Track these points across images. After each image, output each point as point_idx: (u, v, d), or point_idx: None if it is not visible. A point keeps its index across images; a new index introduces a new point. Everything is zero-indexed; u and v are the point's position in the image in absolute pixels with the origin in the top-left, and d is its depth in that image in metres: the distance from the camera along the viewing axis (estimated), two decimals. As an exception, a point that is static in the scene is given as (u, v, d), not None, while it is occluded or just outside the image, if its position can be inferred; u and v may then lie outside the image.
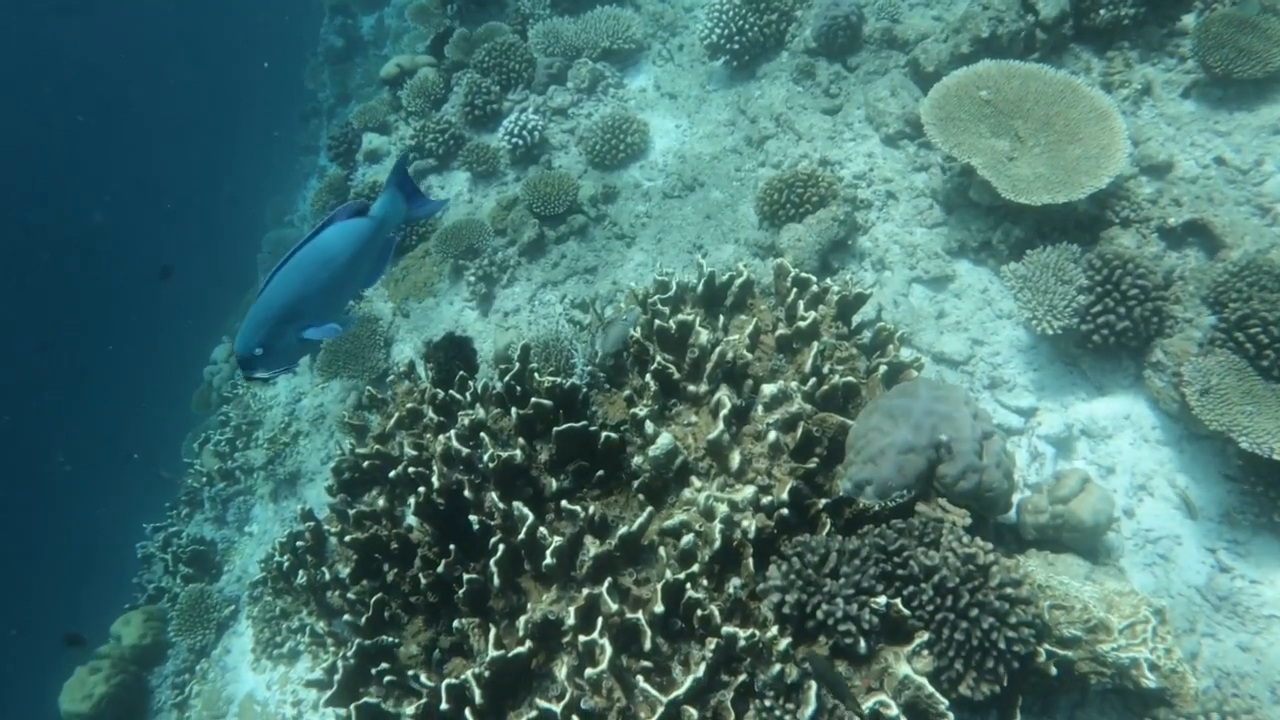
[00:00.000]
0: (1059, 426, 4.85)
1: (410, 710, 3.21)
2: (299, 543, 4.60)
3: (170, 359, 19.85)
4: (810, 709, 2.86)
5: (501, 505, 3.45)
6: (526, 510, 3.35)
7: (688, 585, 3.11)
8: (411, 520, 3.69)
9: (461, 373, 4.18)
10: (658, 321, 3.87)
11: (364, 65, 18.04)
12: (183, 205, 29.21)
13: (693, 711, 2.82)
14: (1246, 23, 5.70)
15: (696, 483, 3.59)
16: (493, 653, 3.08)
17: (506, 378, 3.87)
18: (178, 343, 20.62)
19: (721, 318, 4.29)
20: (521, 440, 3.67)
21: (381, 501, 3.85)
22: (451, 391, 4.02)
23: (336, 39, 19.00)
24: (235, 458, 8.37)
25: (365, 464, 4.01)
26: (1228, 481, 4.39)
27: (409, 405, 4.19)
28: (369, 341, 6.98)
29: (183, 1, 36.54)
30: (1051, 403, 5.00)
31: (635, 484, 3.59)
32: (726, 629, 2.98)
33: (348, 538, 3.77)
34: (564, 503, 3.41)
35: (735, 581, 3.22)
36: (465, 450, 3.61)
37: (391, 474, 3.83)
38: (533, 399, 3.66)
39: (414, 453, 3.81)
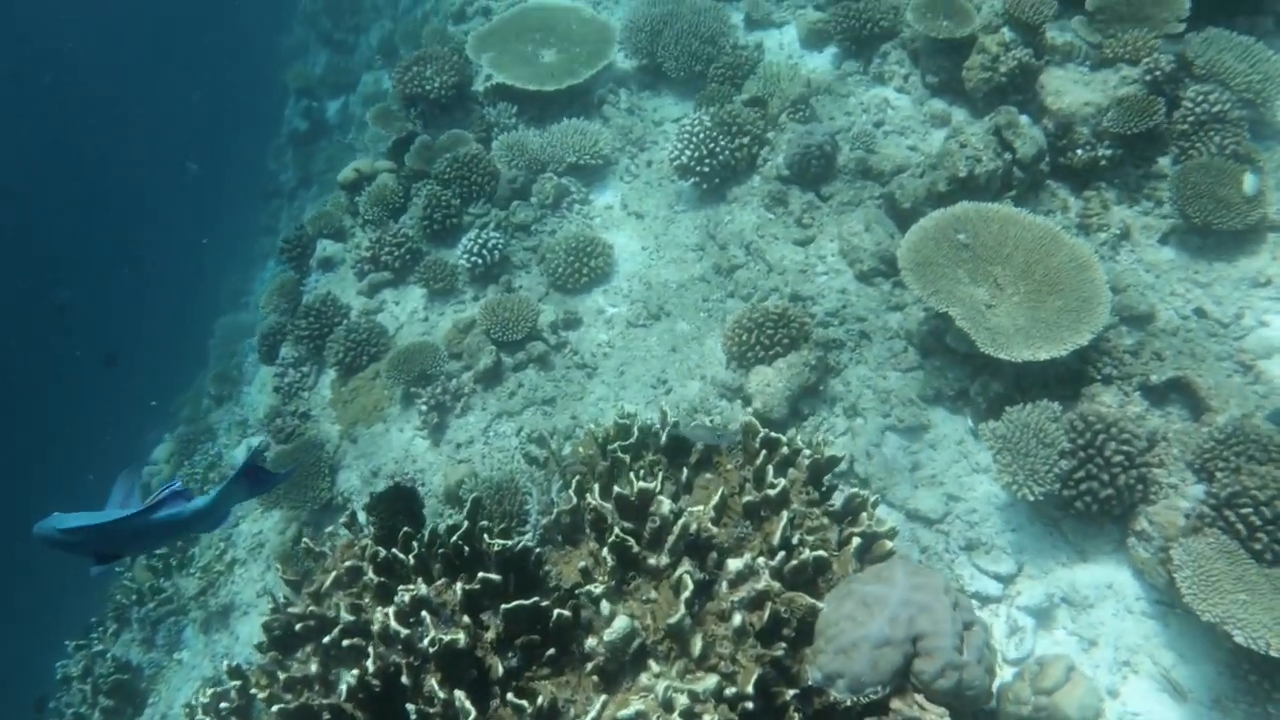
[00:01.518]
0: (1039, 596, 4.73)
1: None
2: (223, 704, 4.34)
3: (114, 449, 19.41)
4: None
5: (442, 694, 3.25)
6: (469, 704, 3.16)
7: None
8: (346, 689, 3.46)
9: (405, 529, 3.98)
10: (617, 489, 3.72)
11: (328, 149, 18.11)
12: (138, 283, 28.90)
13: None
14: (1224, 172, 5.78)
15: (655, 667, 3.42)
16: None
17: (454, 537, 3.69)
18: (124, 430, 20.20)
19: (686, 471, 4.15)
20: (466, 619, 3.47)
21: (314, 666, 3.63)
22: (394, 550, 3.82)
23: (301, 121, 19.09)
24: (168, 578, 8.03)
25: (298, 626, 3.79)
26: (1218, 663, 4.26)
27: (348, 562, 3.98)
28: (313, 469, 6.75)
29: (138, 74, 36.66)
30: (1032, 568, 4.89)
31: (589, 665, 3.40)
32: None
33: (275, 707, 3.54)
34: (510, 696, 3.21)
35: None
36: (405, 631, 3.41)
37: (326, 639, 3.61)
38: (480, 574, 3.49)
39: (351, 617, 3.61)
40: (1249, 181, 5.69)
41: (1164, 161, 6.29)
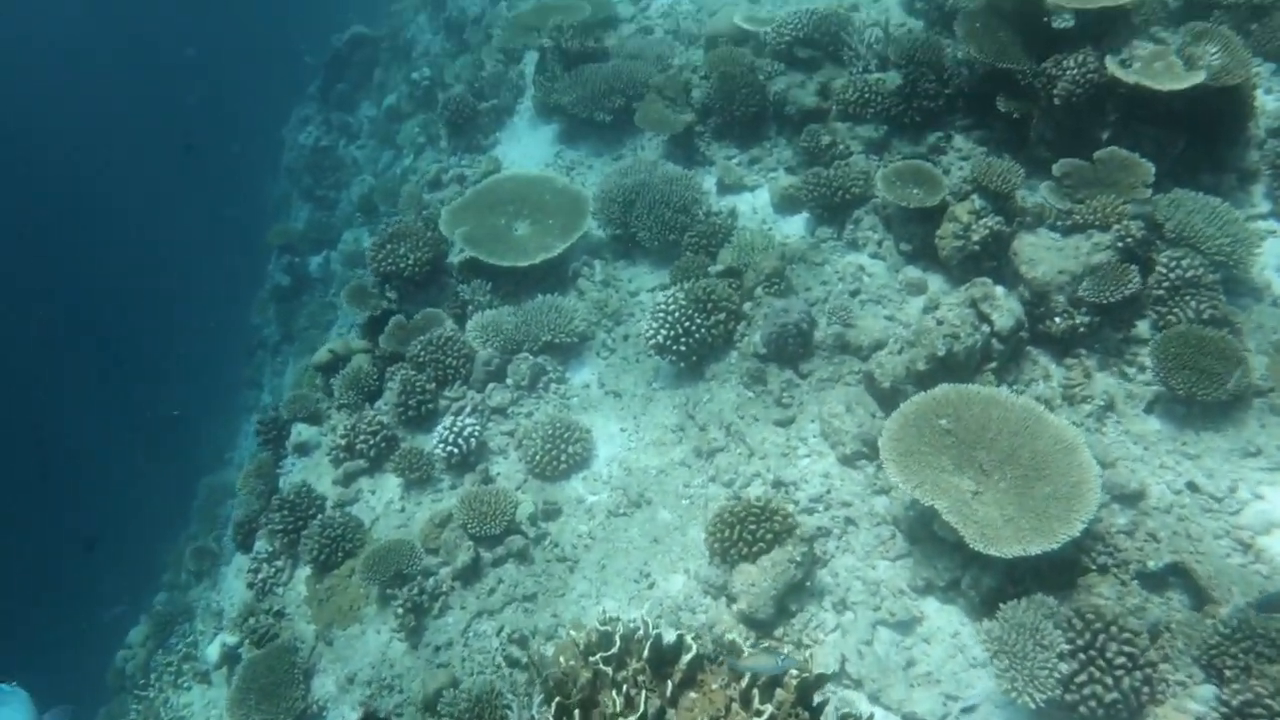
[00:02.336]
0: (1049, 814, 4.51)
1: None
2: None
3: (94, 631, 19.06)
4: None
5: None
6: None
7: None
8: None
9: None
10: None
11: (309, 305, 18.29)
12: (128, 436, 28.76)
13: None
14: (1205, 341, 5.78)
15: None
16: None
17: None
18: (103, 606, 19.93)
19: (670, 685, 4.00)
20: None
21: None
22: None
23: (283, 277, 19.32)
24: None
25: None
26: None
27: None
28: (286, 675, 6.53)
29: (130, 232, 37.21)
30: (1038, 779, 4.67)
31: None
32: None
33: None
34: None
35: None
36: None
37: None
38: None
39: None
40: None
41: (1143, 325, 6.30)
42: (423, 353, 7.72)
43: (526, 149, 10.52)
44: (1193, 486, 5.56)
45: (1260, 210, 7.04)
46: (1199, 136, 7.13)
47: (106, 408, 29.65)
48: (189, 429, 24.32)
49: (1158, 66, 6.80)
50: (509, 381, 7.58)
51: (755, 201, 8.45)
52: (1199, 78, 6.55)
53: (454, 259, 8.93)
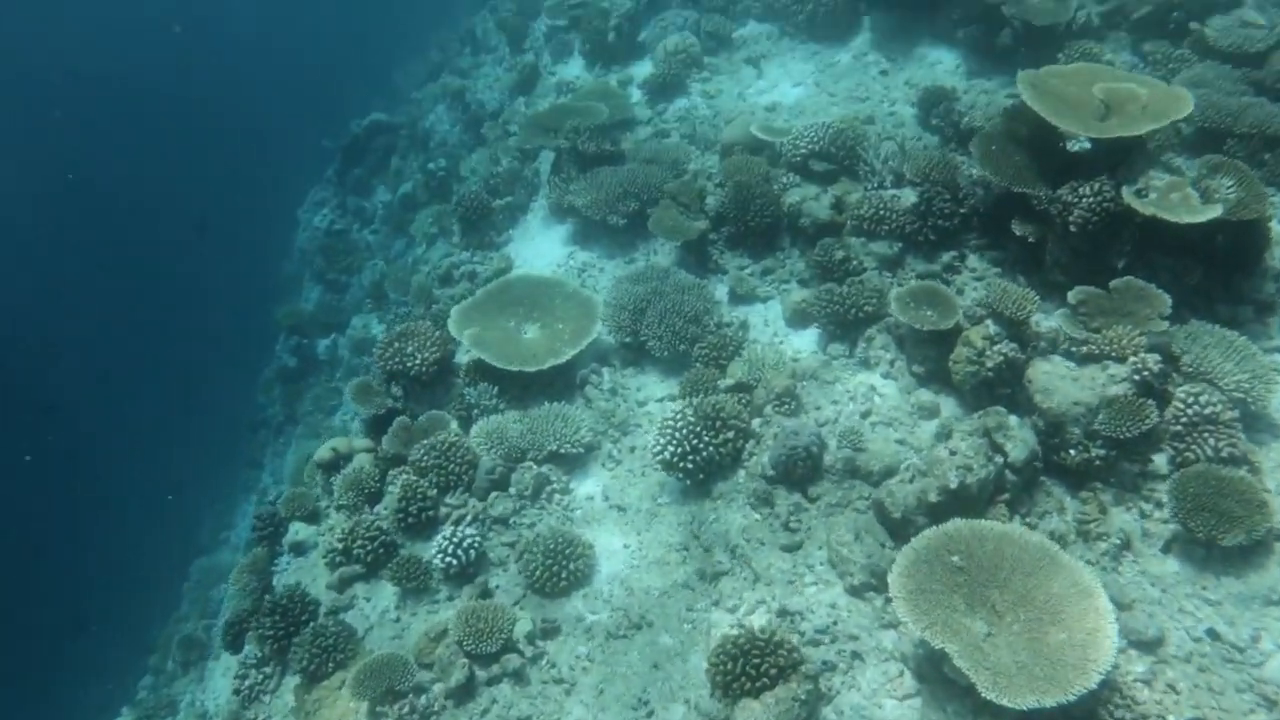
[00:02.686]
0: None
1: None
2: None
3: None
4: None
5: None
6: None
7: None
8: None
9: None
10: None
11: (315, 388, 18.30)
12: (117, 516, 28.59)
13: None
14: (1225, 482, 5.68)
15: None
16: None
17: None
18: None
19: None
20: None
21: None
22: None
23: (290, 358, 19.39)
24: None
25: None
26: None
27: None
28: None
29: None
30: None
31: None
32: None
33: None
34: None
35: None
36: None
37: None
38: None
39: None
40: None
41: (1160, 460, 6.21)
42: (425, 457, 7.64)
43: (539, 248, 10.58)
44: (1213, 634, 5.41)
45: (1278, 343, 6.99)
46: (1215, 267, 7.14)
47: (103, 482, 29.53)
48: (186, 508, 24.16)
49: (1174, 198, 6.82)
50: (512, 491, 7.48)
51: (767, 313, 8.44)
52: (1215, 212, 6.56)
53: (461, 358, 8.90)
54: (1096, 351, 6.49)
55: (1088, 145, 7.38)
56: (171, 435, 28.74)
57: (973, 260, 8.04)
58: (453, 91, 17.41)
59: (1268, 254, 7.29)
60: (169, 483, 25.25)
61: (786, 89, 11.42)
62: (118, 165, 36.98)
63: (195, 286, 32.32)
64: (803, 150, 8.96)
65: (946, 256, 8.03)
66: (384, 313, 15.71)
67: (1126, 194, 6.81)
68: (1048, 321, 7.08)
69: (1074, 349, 6.70)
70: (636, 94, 12.37)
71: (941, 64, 11.05)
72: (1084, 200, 6.96)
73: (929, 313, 7.07)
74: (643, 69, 12.79)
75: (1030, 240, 7.46)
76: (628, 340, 8.42)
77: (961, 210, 8.11)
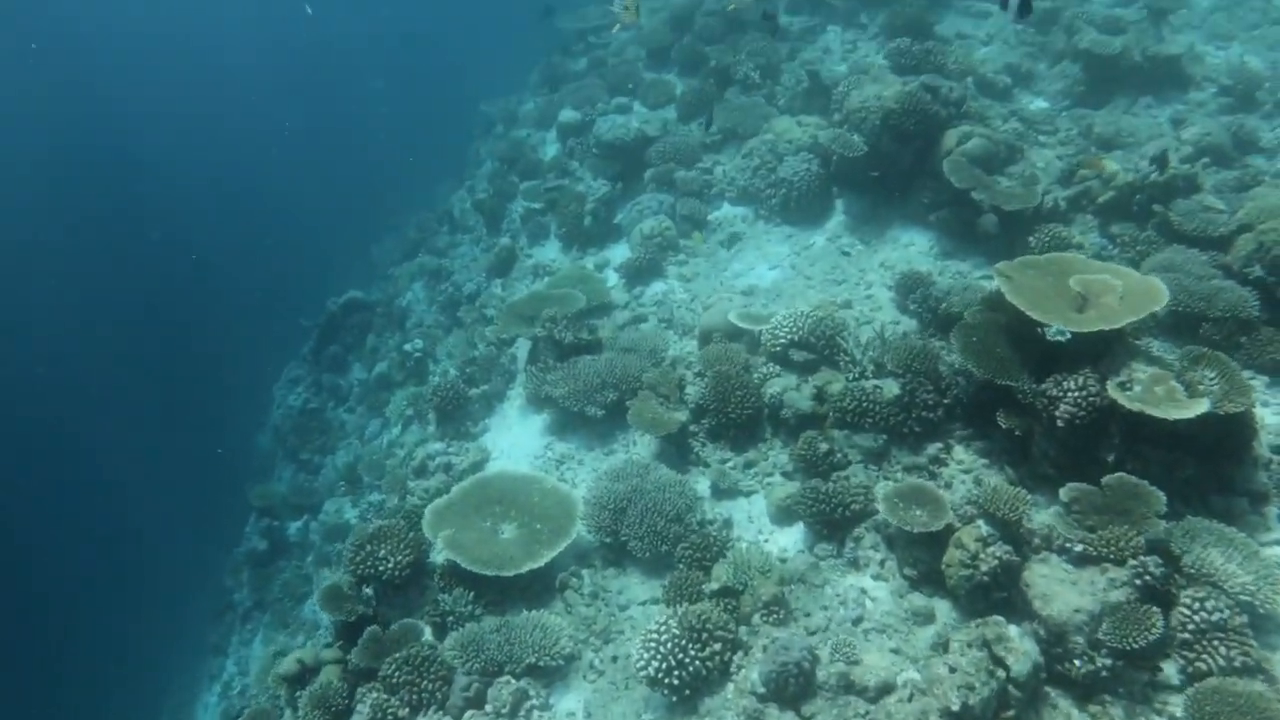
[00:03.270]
0: None
1: None
2: None
3: None
4: None
5: None
6: None
7: None
8: None
9: None
10: None
11: (285, 573, 17.74)
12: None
13: None
14: (1240, 698, 5.42)
15: None
16: None
17: None
18: None
19: None
20: None
21: None
22: None
23: (260, 541, 18.88)
24: None
25: None
26: None
27: None
28: None
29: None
30: None
31: None
32: None
33: None
34: None
35: None
36: None
37: None
38: None
39: None
40: None
41: (1170, 669, 5.95)
42: (397, 673, 7.26)
43: (516, 438, 10.42)
44: None
45: (1276, 535, 6.84)
46: (1204, 457, 7.04)
47: (56, 663, 28.32)
48: (144, 694, 23.09)
49: (1159, 391, 6.78)
50: (489, 709, 7.06)
51: (751, 509, 8.23)
52: (1202, 407, 6.51)
53: (436, 558, 8.60)
54: (1094, 553, 6.30)
55: (1068, 334, 7.39)
56: (139, 622, 27.75)
57: (959, 452, 7.93)
58: (430, 271, 17.59)
59: (1256, 442, 7.22)
60: (130, 666, 24.25)
61: (763, 272, 11.54)
62: (92, 352, 36.91)
63: (166, 462, 31.78)
64: (782, 340, 8.95)
65: (932, 449, 7.91)
66: (358, 497, 15.39)
67: (1112, 389, 6.77)
68: (1040, 516, 6.93)
69: (1070, 545, 6.52)
70: (613, 277, 12.48)
71: (915, 245, 11.24)
72: (1069, 395, 6.91)
73: (918, 513, 6.90)
74: (619, 252, 12.96)
75: (1017, 434, 7.37)
76: (608, 540, 8.17)
77: (945, 401, 8.05)
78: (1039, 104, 13.49)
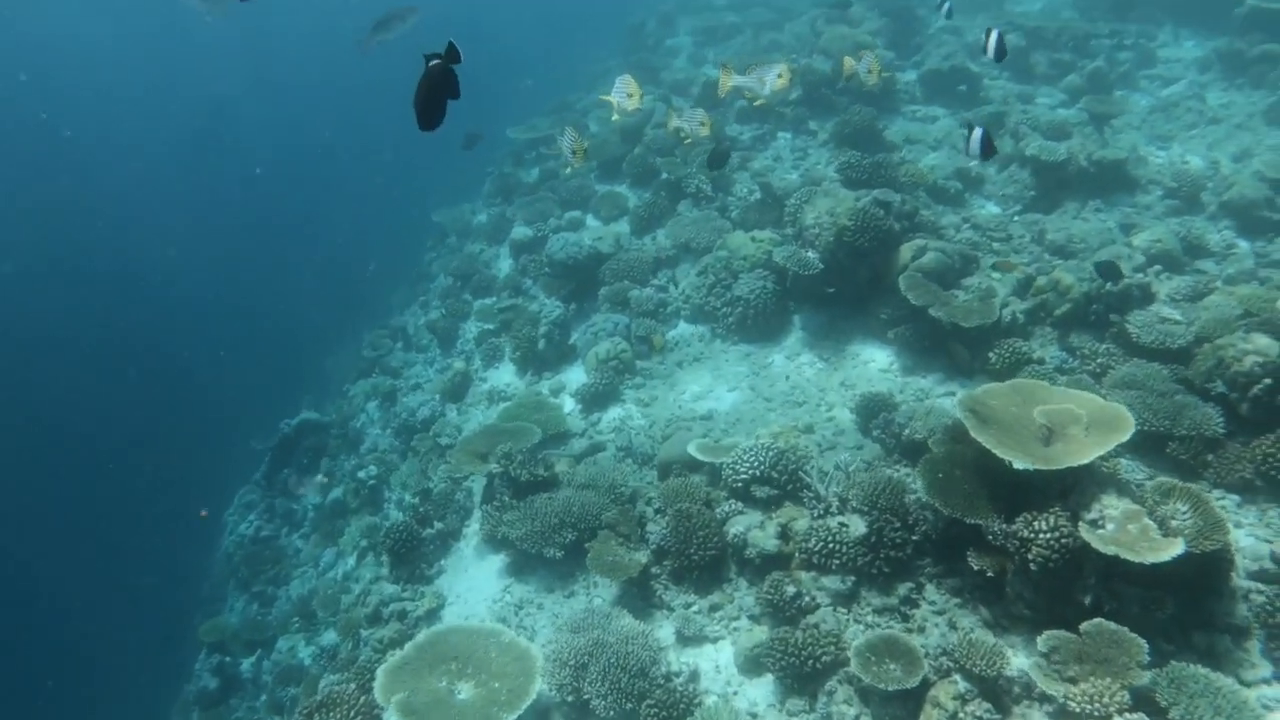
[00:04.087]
0: None
1: None
2: None
3: None
4: None
5: None
6: None
7: None
8: None
9: None
10: None
11: (238, 710, 17.01)
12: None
13: None
14: None
15: None
16: None
17: None
18: None
19: None
20: None
21: None
22: None
23: (211, 679, 18.10)
24: None
25: None
26: None
27: None
28: None
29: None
30: None
31: None
32: None
33: None
34: None
35: None
36: None
37: None
38: None
39: None
40: None
41: (1165, 835, 5.68)
42: None
43: (473, 580, 10.06)
44: None
45: (1262, 674, 6.65)
46: (1183, 592, 6.87)
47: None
48: None
49: (1132, 530, 6.63)
50: None
51: (718, 658, 7.92)
52: (1178, 548, 6.36)
53: (389, 721, 8.17)
54: (1077, 710, 6.06)
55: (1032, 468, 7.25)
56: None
57: (931, 591, 7.70)
58: (384, 392, 17.29)
59: (1234, 573, 7.08)
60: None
61: (721, 394, 11.39)
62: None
63: (117, 594, 30.75)
64: (743, 476, 8.74)
65: (903, 589, 7.68)
66: (311, 635, 14.80)
67: (1085, 530, 6.61)
68: (1018, 660, 6.71)
69: (1052, 694, 6.28)
70: (570, 403, 12.27)
71: (875, 362, 11.16)
72: (1041, 537, 6.74)
73: (892, 667, 6.64)
74: (575, 375, 12.78)
75: (990, 574, 7.17)
76: (570, 699, 7.80)
77: (914, 537, 7.85)
78: (991, 208, 13.62)
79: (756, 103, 7.61)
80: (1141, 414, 8.30)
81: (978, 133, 7.95)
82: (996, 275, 11.09)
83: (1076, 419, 7.33)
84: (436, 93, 3.95)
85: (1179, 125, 15.20)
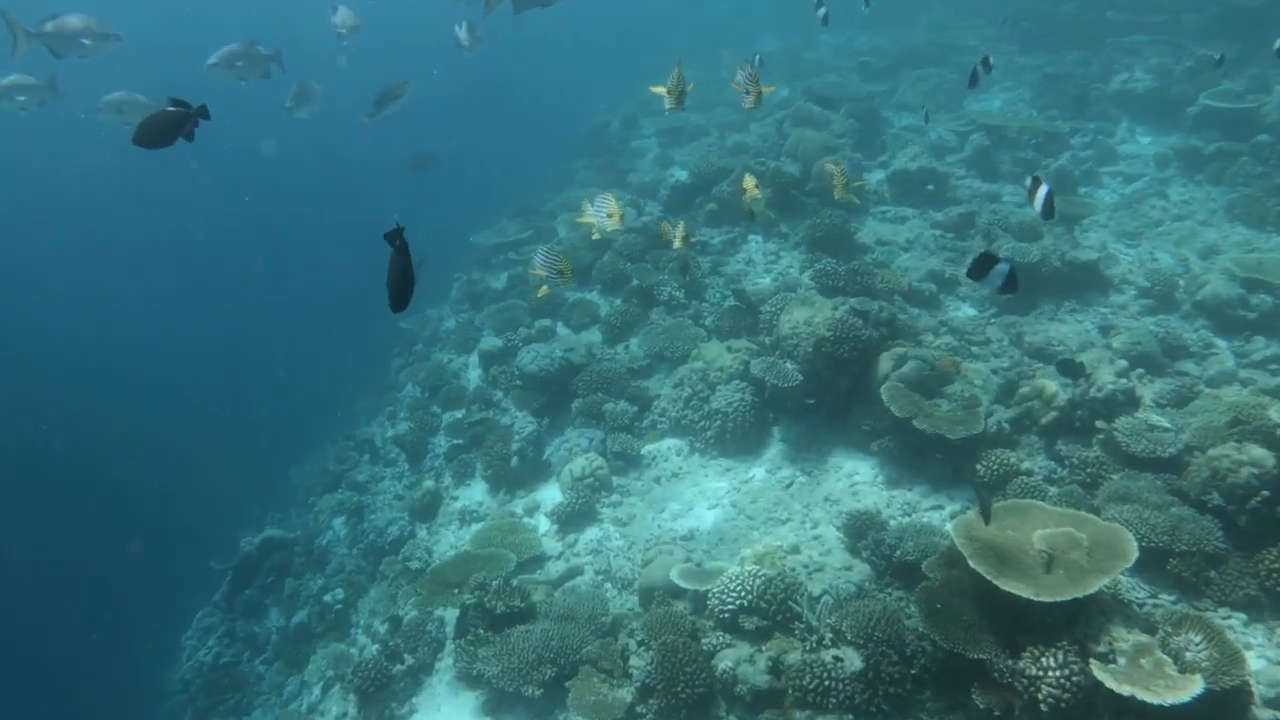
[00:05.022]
0: None
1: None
2: None
3: None
4: None
5: None
6: None
7: None
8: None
9: None
10: None
11: None
12: None
13: None
14: None
15: None
16: None
17: None
18: None
19: None
20: None
21: None
22: None
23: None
24: None
25: None
26: None
27: None
28: None
29: None
30: None
31: None
32: None
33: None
34: None
35: None
36: None
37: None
38: None
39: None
40: None
41: None
42: None
43: (446, 720, 9.54)
44: None
45: (1290, 816, 6.30)
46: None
47: None
48: None
49: (1145, 665, 6.34)
50: None
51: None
52: (1196, 687, 6.07)
53: None
54: None
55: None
56: None
57: (934, 731, 7.32)
58: (350, 509, 16.77)
59: (1253, 705, 6.77)
60: None
61: (702, 511, 11.05)
62: None
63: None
64: (731, 606, 8.37)
65: (906, 729, 7.31)
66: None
67: (1096, 669, 6.30)
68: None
69: None
70: (545, 523, 11.88)
71: (859, 475, 10.89)
72: (1050, 675, 6.42)
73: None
74: (549, 493, 12.41)
75: (996, 714, 6.81)
76: None
77: (913, 671, 7.49)
78: (967, 310, 13.55)
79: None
80: (1139, 529, 8.08)
81: (1044, 190, 7.37)
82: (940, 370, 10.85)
83: (1077, 543, 7.09)
84: (408, 273, 3.82)
85: (1145, 222, 15.32)
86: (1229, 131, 16.74)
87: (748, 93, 6.64)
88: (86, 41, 10.62)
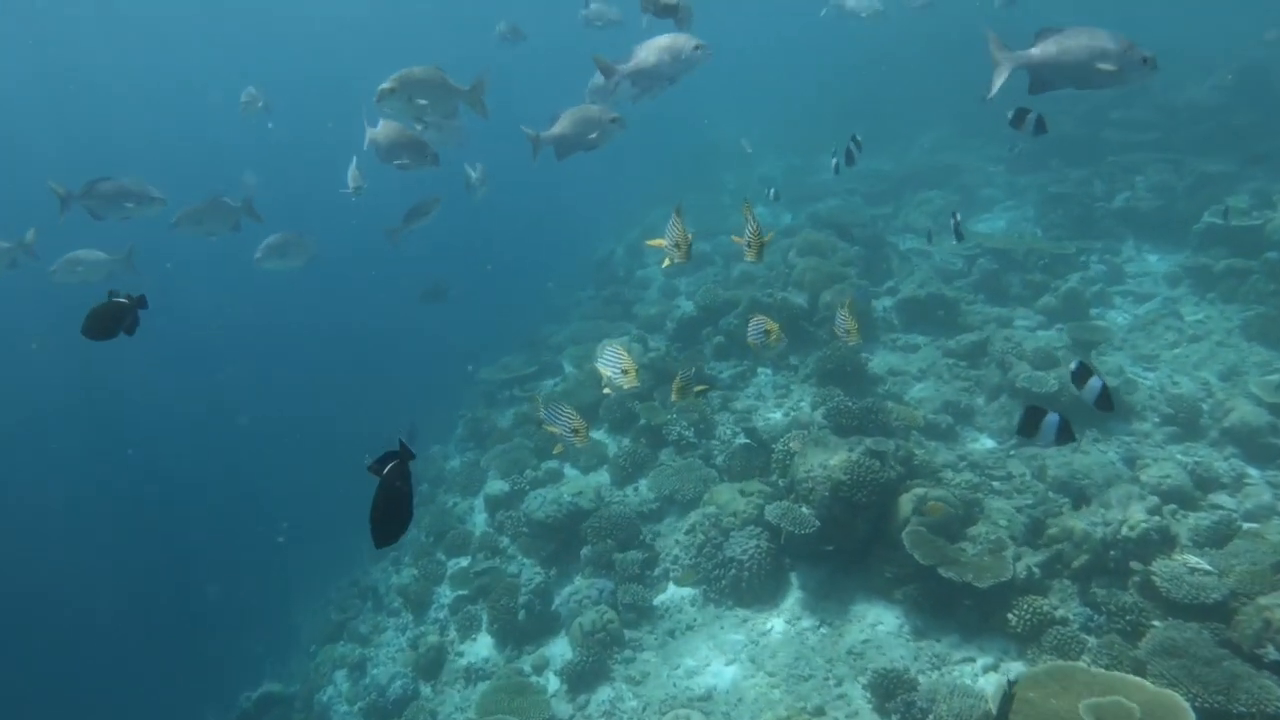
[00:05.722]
0: None
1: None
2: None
3: None
4: None
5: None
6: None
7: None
8: None
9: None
10: None
11: None
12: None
13: None
14: None
15: None
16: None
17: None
18: None
19: None
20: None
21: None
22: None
23: None
24: None
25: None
26: None
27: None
28: None
29: None
30: None
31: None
32: None
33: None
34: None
35: None
36: None
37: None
38: None
39: None
40: None
41: None
42: None
43: None
44: None
45: None
46: None
47: None
48: None
49: None
50: None
51: None
52: None
53: None
54: None
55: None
56: None
57: None
58: (352, 663, 16.13)
59: None
60: None
61: (719, 668, 10.49)
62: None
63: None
64: (754, 786, 7.81)
65: None
66: None
67: None
68: None
69: None
70: (554, 681, 11.31)
71: (883, 624, 10.36)
72: None
73: None
74: (558, 647, 11.86)
75: None
76: None
77: None
78: (986, 442, 13.20)
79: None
80: (1191, 688, 7.57)
81: (1095, 383, 6.83)
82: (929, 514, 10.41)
83: (1129, 713, 6.58)
84: (398, 504, 3.37)
85: (1161, 344, 15.04)
86: (1236, 248, 16.58)
87: (749, 245, 6.44)
88: (130, 205, 10.70)
